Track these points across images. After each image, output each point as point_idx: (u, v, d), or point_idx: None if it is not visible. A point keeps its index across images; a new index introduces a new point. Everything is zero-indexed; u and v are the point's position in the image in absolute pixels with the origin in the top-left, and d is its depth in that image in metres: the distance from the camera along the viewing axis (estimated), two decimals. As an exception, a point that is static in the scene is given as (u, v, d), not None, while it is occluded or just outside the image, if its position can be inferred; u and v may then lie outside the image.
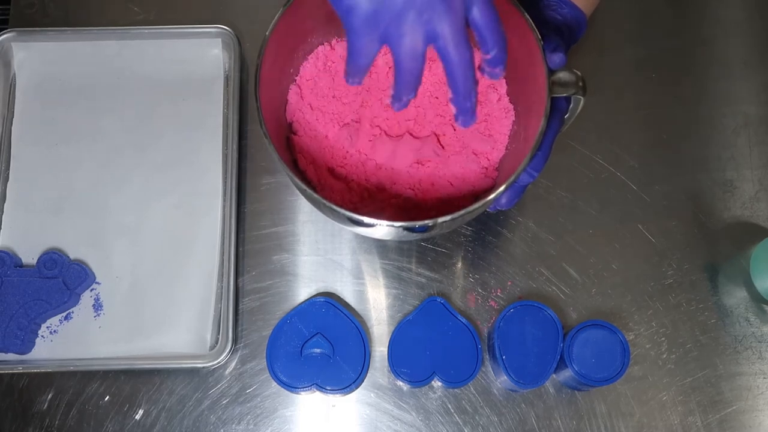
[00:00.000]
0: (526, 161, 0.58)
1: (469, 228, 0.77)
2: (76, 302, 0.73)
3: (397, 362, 0.70)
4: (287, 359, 0.69)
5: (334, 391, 0.69)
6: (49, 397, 0.72)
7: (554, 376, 0.72)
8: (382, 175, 0.68)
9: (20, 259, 0.74)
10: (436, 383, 0.72)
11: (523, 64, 0.63)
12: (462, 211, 0.58)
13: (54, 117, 0.79)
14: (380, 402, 0.72)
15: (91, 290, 0.74)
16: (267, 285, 0.75)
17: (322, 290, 0.75)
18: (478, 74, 0.55)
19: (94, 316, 0.73)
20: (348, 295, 0.75)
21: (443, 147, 0.68)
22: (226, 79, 0.81)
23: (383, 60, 0.69)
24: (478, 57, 0.55)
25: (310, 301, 0.71)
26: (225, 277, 0.74)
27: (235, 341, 0.72)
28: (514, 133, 0.67)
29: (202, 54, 0.81)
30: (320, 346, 0.70)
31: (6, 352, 0.70)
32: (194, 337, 0.72)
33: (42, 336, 0.72)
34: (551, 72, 0.59)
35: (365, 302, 0.75)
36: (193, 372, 0.73)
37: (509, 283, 0.75)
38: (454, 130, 0.68)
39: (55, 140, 0.78)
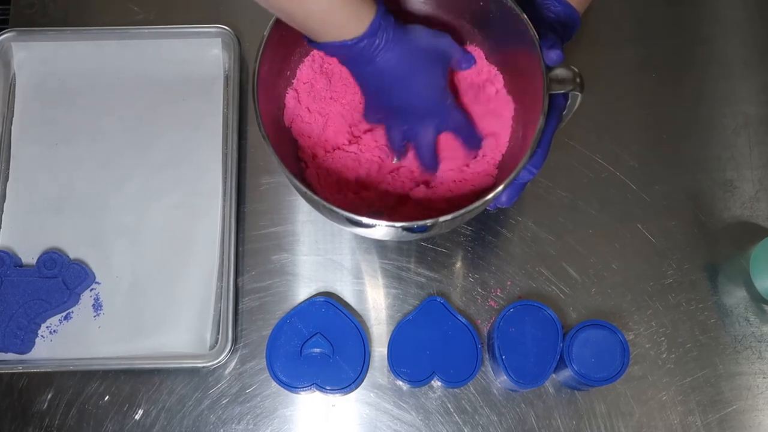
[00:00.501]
0: (526, 158, 0.58)
1: (469, 228, 0.77)
2: (75, 302, 0.73)
3: (397, 362, 0.70)
4: (287, 359, 0.69)
5: (333, 390, 0.69)
6: (49, 396, 0.72)
7: (554, 375, 0.72)
8: (382, 175, 0.68)
9: (20, 258, 0.74)
10: (436, 383, 0.72)
11: (521, 61, 0.63)
12: (462, 211, 0.58)
13: (54, 117, 0.79)
14: (380, 402, 0.72)
15: (91, 290, 0.74)
16: (267, 285, 0.75)
17: (321, 290, 0.75)
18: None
19: (94, 316, 0.73)
20: (348, 295, 0.75)
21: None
22: (226, 79, 0.81)
23: None
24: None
25: (310, 301, 0.71)
26: (225, 276, 0.74)
27: (234, 341, 0.72)
28: (513, 131, 0.68)
29: (202, 54, 0.81)
30: (320, 345, 0.70)
31: (6, 351, 0.70)
32: (194, 336, 0.72)
33: (42, 336, 0.72)
34: (549, 69, 0.60)
35: (365, 302, 0.75)
36: (193, 372, 0.73)
37: (509, 283, 0.75)
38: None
39: (55, 140, 0.78)
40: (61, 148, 0.78)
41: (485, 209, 0.63)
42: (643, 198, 0.78)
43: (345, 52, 0.59)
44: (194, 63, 0.81)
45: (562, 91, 0.60)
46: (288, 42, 0.65)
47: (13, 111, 0.79)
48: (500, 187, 0.58)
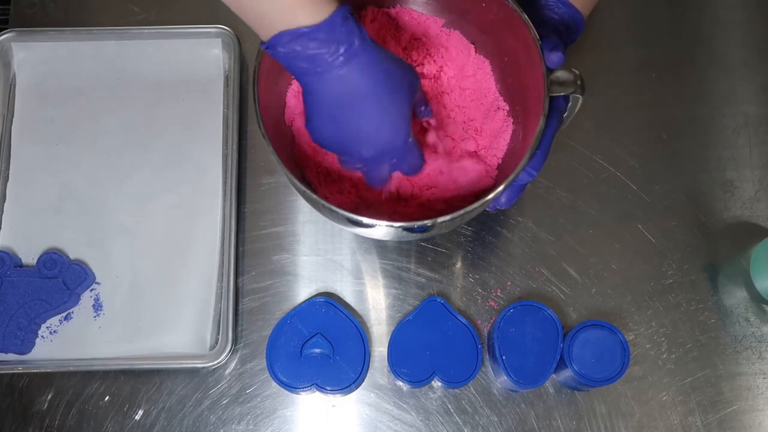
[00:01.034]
0: (526, 160, 0.58)
1: (469, 228, 0.77)
2: (75, 302, 0.73)
3: (397, 362, 0.70)
4: (287, 359, 0.69)
5: (333, 391, 0.69)
6: (49, 397, 0.72)
7: (554, 376, 0.72)
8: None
9: (20, 259, 0.74)
10: (436, 383, 0.72)
11: (522, 63, 0.63)
12: (461, 211, 0.58)
13: (54, 117, 0.79)
14: (380, 402, 0.72)
15: (91, 290, 0.74)
16: (267, 285, 0.75)
17: (321, 290, 0.75)
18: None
19: (94, 316, 0.73)
20: (348, 295, 0.75)
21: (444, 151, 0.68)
22: (226, 79, 0.81)
23: None
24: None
25: (310, 301, 0.71)
26: (225, 277, 0.74)
27: (235, 341, 0.72)
28: (514, 133, 0.68)
29: (202, 54, 0.81)
30: (320, 346, 0.70)
31: (6, 352, 0.70)
32: (194, 337, 0.72)
33: (42, 336, 0.72)
34: (550, 71, 0.60)
35: (365, 302, 0.75)
36: (193, 372, 0.73)
37: (509, 283, 0.75)
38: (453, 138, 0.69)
39: (55, 140, 0.78)
40: (61, 148, 0.78)
41: (485, 210, 0.63)
42: (643, 198, 0.78)
43: (300, 49, 0.51)
44: (194, 63, 0.81)
45: (563, 94, 0.60)
46: None
47: (13, 111, 0.79)
48: (500, 188, 0.58)
